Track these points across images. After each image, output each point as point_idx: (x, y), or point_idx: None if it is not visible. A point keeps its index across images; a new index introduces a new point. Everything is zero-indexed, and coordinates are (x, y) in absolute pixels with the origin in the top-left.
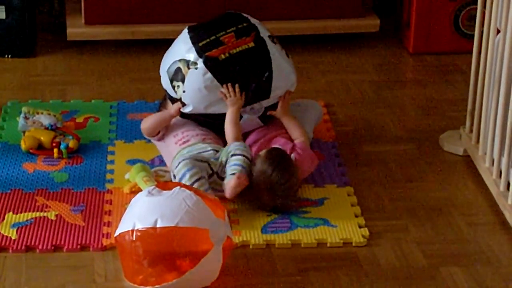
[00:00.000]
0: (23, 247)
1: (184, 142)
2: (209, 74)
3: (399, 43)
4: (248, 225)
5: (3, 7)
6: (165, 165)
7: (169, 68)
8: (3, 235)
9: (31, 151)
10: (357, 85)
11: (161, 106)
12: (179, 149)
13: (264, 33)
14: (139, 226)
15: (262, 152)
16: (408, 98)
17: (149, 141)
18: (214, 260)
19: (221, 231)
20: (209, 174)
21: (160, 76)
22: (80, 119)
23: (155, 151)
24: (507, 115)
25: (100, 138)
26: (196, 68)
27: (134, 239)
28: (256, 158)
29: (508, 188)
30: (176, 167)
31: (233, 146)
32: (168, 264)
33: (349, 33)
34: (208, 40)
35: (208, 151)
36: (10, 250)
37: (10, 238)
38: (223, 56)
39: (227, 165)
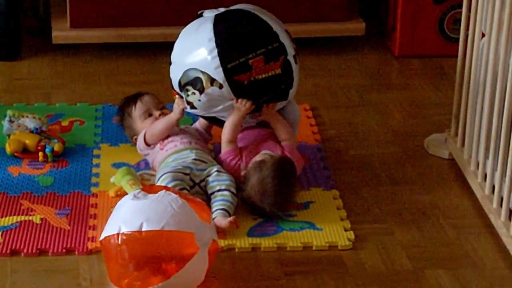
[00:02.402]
0: (8, 251)
1: (170, 148)
2: (231, 94)
3: (385, 46)
4: (232, 229)
5: None
6: (150, 168)
7: (186, 72)
8: None
9: (16, 154)
10: (342, 89)
11: (123, 112)
12: (165, 155)
13: (290, 52)
14: (125, 229)
15: (269, 160)
16: (394, 102)
17: (135, 144)
18: (200, 263)
19: (206, 234)
20: (190, 186)
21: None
22: (65, 123)
23: (140, 155)
24: (492, 118)
25: (86, 141)
26: (220, 88)
27: (119, 242)
28: (261, 164)
29: (493, 192)
30: (158, 180)
31: (217, 180)
32: (154, 268)
33: (334, 36)
34: (237, 62)
35: (193, 159)
36: None
37: None
38: (248, 80)
39: (214, 200)
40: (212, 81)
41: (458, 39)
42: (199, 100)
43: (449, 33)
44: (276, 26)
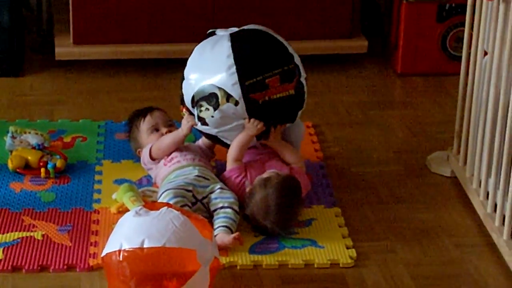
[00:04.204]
0: (9, 267)
1: (173, 163)
2: (245, 112)
3: (387, 64)
4: (236, 246)
5: None
6: (152, 185)
7: (201, 87)
8: None
9: (18, 170)
10: (345, 106)
11: (131, 124)
12: (168, 171)
13: (302, 74)
14: (126, 246)
15: (275, 177)
16: (396, 119)
17: (137, 160)
18: (201, 280)
19: (208, 251)
20: (193, 203)
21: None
22: (67, 139)
23: (142, 171)
24: (494, 136)
25: (88, 157)
26: (236, 105)
27: (121, 259)
28: (266, 181)
29: (495, 210)
30: (160, 196)
31: (220, 197)
32: (155, 285)
33: (337, 54)
34: (254, 80)
35: (196, 175)
36: None
37: None
38: (263, 99)
39: (217, 217)
40: (229, 97)
41: (460, 57)
42: (212, 117)
43: (451, 51)
44: (290, 48)
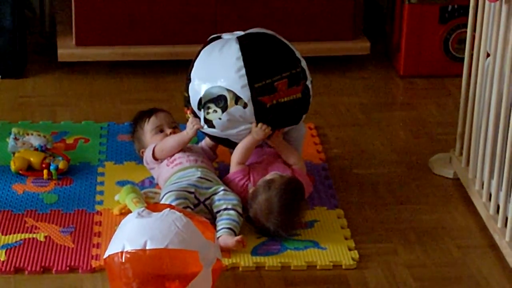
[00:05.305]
0: (11, 269)
1: (176, 165)
2: (252, 115)
3: (389, 66)
4: (239, 248)
5: None
6: (154, 186)
7: (209, 89)
8: None
9: (20, 172)
10: (347, 108)
11: (136, 124)
12: (170, 172)
13: (308, 78)
14: (129, 248)
15: (278, 179)
16: (398, 121)
17: (140, 162)
18: (204, 282)
19: (210, 253)
20: (195, 204)
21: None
22: (70, 140)
23: (145, 173)
24: (497, 138)
25: (90, 159)
26: (244, 107)
27: (123, 261)
28: (270, 182)
29: (497, 211)
30: (162, 198)
31: (224, 199)
32: (157, 286)
33: (339, 55)
34: (264, 82)
35: (198, 177)
36: None
37: None
38: (271, 103)
39: (220, 218)
40: (237, 99)
41: (463, 58)
42: (219, 119)
43: (454, 53)
44: (297, 51)
